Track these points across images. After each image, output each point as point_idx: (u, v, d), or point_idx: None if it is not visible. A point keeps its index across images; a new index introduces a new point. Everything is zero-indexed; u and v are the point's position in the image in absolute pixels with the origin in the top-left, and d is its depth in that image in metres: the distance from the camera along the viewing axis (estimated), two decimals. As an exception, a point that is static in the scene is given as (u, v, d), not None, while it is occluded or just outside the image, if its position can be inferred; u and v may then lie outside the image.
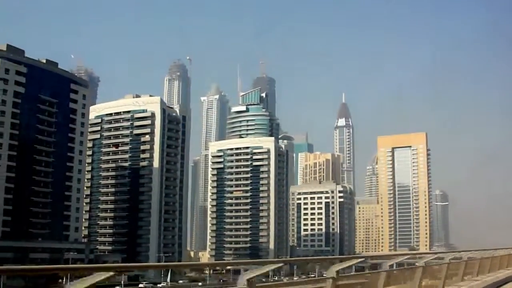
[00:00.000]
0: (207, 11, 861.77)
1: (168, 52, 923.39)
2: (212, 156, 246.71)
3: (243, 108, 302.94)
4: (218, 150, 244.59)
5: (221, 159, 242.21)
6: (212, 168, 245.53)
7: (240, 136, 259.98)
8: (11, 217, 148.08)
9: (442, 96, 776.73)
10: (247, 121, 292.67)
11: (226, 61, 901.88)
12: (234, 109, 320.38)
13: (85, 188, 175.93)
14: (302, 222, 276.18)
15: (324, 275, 13.04)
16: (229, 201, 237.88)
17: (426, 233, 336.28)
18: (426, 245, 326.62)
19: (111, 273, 7.55)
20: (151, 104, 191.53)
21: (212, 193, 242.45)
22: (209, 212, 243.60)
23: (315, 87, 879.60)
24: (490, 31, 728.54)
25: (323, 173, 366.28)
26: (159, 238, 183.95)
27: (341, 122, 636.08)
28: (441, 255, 22.14)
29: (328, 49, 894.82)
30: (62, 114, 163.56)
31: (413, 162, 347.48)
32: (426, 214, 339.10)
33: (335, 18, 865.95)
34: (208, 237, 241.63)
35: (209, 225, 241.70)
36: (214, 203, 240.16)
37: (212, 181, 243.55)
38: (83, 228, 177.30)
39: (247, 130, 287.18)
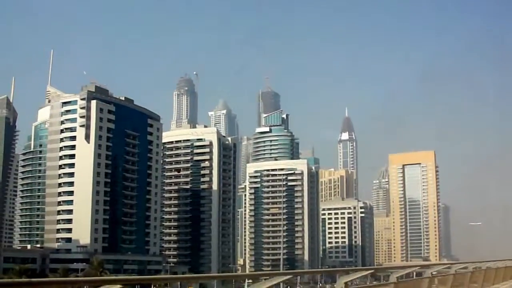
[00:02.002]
0: (210, 28, 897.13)
1: (175, 67, 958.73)
2: (250, 176, 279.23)
3: (266, 129, 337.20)
4: (255, 171, 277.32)
5: (258, 179, 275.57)
6: (250, 187, 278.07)
7: (275, 159, 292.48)
8: (108, 234, 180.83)
9: (443, 108, 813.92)
10: (271, 141, 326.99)
11: (231, 75, 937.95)
12: (258, 130, 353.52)
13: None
14: (327, 235, 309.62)
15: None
16: (266, 217, 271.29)
17: (436, 245, 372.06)
18: (436, 256, 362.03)
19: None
20: (208, 134, 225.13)
21: (250, 210, 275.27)
22: (247, 227, 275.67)
23: (318, 102, 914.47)
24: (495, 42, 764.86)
25: (338, 189, 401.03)
26: (218, 251, 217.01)
27: (345, 136, 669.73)
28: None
29: (330, 64, 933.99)
30: (142, 145, 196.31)
31: (423, 178, 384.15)
32: (435, 227, 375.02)
33: (338, 32, 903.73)
34: (247, 249, 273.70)
35: (247, 239, 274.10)
36: (252, 219, 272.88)
37: (250, 199, 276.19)
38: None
39: (271, 149, 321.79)
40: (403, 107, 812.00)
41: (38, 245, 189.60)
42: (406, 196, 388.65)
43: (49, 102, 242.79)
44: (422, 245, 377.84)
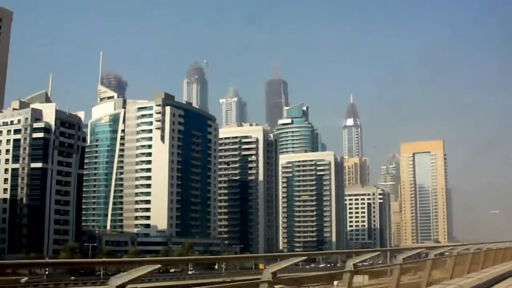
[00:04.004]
0: (218, 16, 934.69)
1: (185, 56, 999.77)
2: (282, 167, 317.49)
3: (289, 120, 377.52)
4: (288, 162, 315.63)
5: (290, 169, 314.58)
6: (283, 177, 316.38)
7: (305, 150, 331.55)
8: (180, 220, 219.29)
9: (445, 92, 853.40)
10: (292, 132, 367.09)
11: (241, 64, 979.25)
12: (280, 121, 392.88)
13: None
14: (348, 219, 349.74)
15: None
16: (297, 203, 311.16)
17: (444, 228, 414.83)
18: (445, 238, 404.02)
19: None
20: (254, 132, 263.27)
21: (282, 197, 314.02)
22: (280, 213, 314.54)
23: (324, 88, 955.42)
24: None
25: (352, 175, 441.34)
26: (264, 234, 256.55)
27: (350, 122, 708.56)
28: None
29: (336, 52, 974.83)
30: (203, 144, 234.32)
31: (432, 165, 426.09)
32: (444, 211, 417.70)
33: (343, 19, 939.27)
34: (280, 233, 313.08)
35: (280, 223, 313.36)
36: (285, 205, 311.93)
37: (282, 187, 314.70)
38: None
39: (293, 140, 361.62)
40: (406, 92, 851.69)
41: (119, 230, 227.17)
42: (416, 182, 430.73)
43: (100, 100, 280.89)
44: (431, 228, 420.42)
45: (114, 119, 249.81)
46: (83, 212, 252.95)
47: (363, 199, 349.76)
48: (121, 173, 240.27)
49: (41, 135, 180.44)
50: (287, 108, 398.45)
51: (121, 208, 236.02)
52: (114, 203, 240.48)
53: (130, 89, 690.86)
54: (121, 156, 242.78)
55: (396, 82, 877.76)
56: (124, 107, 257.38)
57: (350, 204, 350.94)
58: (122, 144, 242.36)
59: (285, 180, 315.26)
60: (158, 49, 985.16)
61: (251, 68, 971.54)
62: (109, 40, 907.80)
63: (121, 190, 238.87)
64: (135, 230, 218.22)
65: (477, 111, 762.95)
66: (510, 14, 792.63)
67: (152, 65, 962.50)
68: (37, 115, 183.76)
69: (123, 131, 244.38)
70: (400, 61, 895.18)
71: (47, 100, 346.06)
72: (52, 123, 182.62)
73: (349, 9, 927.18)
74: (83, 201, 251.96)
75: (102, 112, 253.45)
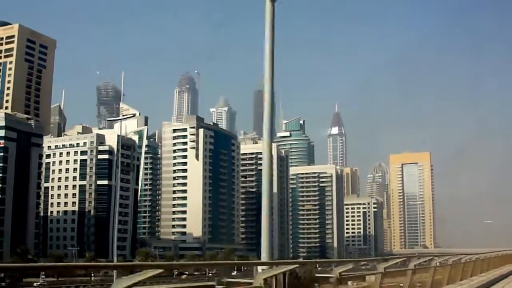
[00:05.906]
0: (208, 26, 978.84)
1: (177, 66, 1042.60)
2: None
3: (287, 134, 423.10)
4: (292, 174, 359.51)
5: (294, 181, 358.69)
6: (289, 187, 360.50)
7: (307, 163, 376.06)
8: (211, 228, 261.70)
9: (424, 102, 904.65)
10: (291, 144, 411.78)
11: (229, 74, 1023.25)
12: (279, 134, 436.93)
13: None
14: (344, 226, 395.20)
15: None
16: (301, 212, 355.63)
17: (431, 235, 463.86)
18: (431, 244, 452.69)
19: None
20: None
21: (288, 206, 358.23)
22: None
23: (311, 97, 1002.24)
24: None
25: (345, 184, 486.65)
26: (278, 240, 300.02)
27: (334, 130, 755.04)
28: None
29: (321, 62, 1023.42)
30: (229, 160, 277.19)
31: (419, 176, 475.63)
32: (431, 219, 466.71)
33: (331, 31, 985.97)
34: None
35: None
36: (290, 213, 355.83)
37: (288, 197, 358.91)
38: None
39: (291, 152, 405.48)
40: (391, 101, 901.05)
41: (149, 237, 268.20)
42: (404, 191, 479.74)
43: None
44: (418, 234, 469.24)
45: (139, 136, 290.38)
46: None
47: (359, 208, 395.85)
48: (145, 184, 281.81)
49: (106, 156, 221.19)
50: (285, 121, 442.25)
51: (145, 217, 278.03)
52: (139, 212, 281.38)
53: (127, 99, 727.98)
54: (146, 169, 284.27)
55: (379, 91, 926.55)
56: (146, 124, 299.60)
57: (347, 212, 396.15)
58: (146, 158, 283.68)
59: (290, 190, 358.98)
60: (150, 59, 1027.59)
61: (242, 78, 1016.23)
62: (102, 50, 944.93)
63: (145, 200, 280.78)
64: (173, 237, 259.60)
65: (459, 121, 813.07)
66: (488, 24, 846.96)
67: (144, 74, 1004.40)
68: (100, 139, 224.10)
69: (147, 146, 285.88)
70: (381, 70, 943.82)
71: (60, 112, 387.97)
72: (115, 146, 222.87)
73: (333, 17, 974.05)
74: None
75: (125, 128, 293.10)
